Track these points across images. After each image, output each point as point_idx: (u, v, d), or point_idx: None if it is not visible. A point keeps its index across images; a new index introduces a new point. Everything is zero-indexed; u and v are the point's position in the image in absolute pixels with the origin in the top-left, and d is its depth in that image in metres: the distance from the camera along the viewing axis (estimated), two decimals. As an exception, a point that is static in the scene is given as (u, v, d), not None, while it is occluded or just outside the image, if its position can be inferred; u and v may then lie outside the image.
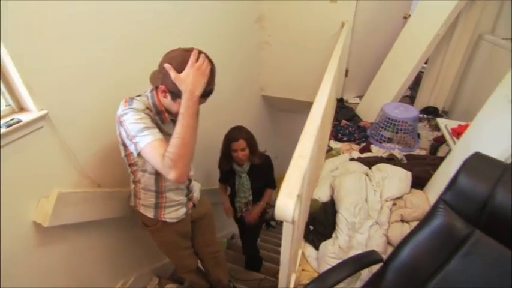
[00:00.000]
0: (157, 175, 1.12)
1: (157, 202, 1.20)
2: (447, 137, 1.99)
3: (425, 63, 2.66)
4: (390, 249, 1.35)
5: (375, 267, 1.04)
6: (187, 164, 0.91)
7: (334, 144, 2.37)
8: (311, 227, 1.51)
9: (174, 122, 0.98)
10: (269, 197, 1.96)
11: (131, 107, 0.94)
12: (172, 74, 0.91)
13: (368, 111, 2.73)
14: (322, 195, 1.65)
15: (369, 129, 2.46)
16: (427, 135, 2.38)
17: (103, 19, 1.15)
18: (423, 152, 2.17)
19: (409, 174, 1.66)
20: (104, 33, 1.17)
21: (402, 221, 1.48)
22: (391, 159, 1.96)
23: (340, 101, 3.09)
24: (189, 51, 0.94)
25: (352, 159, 2.02)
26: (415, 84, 2.99)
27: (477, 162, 0.87)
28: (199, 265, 1.63)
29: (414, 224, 1.40)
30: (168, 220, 1.24)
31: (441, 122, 2.19)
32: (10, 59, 0.87)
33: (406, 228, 1.42)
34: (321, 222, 1.51)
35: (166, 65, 0.91)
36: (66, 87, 1.06)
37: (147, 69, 1.02)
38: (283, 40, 2.86)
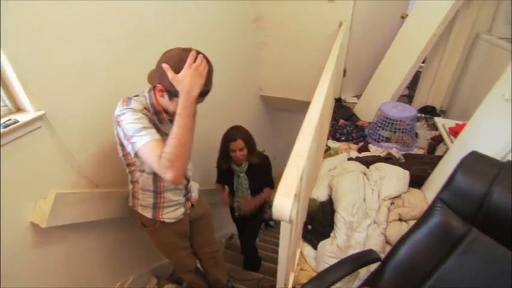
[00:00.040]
0: (155, 175, 1.12)
1: (156, 202, 1.19)
2: (444, 136, 1.99)
3: (423, 62, 2.67)
4: (388, 248, 1.36)
5: (373, 266, 1.04)
6: (183, 165, 0.91)
7: (333, 144, 2.37)
8: (309, 227, 1.52)
9: (172, 122, 0.98)
10: (268, 194, 1.95)
11: (129, 107, 0.94)
12: (170, 74, 0.90)
13: (366, 110, 2.74)
14: (320, 194, 1.66)
15: (367, 129, 2.47)
16: (424, 135, 2.39)
17: (101, 19, 1.15)
18: (421, 151, 2.18)
19: (406, 173, 1.67)
20: (101, 33, 1.16)
21: (400, 220, 1.49)
22: (389, 159, 1.96)
23: (338, 101, 3.09)
24: (186, 50, 0.94)
25: (350, 159, 2.02)
26: (413, 83, 3.00)
27: (474, 161, 0.87)
28: (198, 265, 1.63)
29: (412, 223, 1.40)
30: (166, 220, 1.24)
31: (439, 121, 2.20)
32: (7, 60, 0.87)
33: (404, 227, 1.43)
34: (319, 221, 1.51)
35: (164, 65, 0.91)
36: (64, 87, 1.05)
37: (144, 69, 1.02)
38: (281, 40, 2.86)
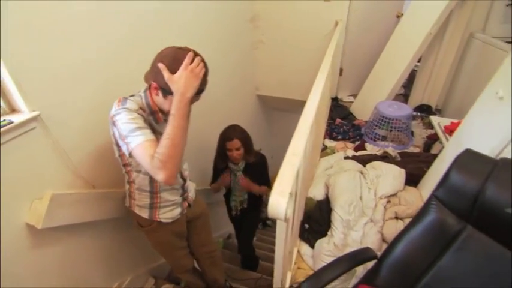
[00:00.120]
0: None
1: (152, 202, 1.19)
2: (440, 134, 2.01)
3: (419, 61, 2.68)
4: (385, 246, 1.36)
5: (370, 264, 1.05)
6: (176, 166, 0.90)
7: (329, 143, 2.38)
8: (306, 225, 1.52)
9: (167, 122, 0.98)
10: (264, 190, 1.91)
11: (124, 106, 0.94)
12: (166, 74, 0.91)
13: (362, 109, 2.75)
14: (317, 193, 1.66)
15: (363, 128, 2.48)
16: (420, 133, 2.40)
17: (96, 19, 1.14)
18: (417, 150, 2.19)
19: (402, 171, 1.68)
20: (97, 34, 1.16)
21: (396, 218, 1.50)
22: (385, 157, 1.97)
23: (334, 100, 3.10)
24: (182, 49, 0.94)
25: (346, 158, 2.03)
26: (409, 82, 3.02)
27: (468, 159, 0.88)
28: (196, 265, 1.63)
29: (408, 221, 1.41)
30: (163, 220, 1.24)
31: (434, 119, 2.21)
32: (1, 60, 0.86)
33: (401, 225, 1.44)
34: (316, 220, 1.52)
35: (160, 65, 0.91)
36: (59, 87, 1.05)
37: (140, 69, 1.02)
38: (277, 39, 2.87)
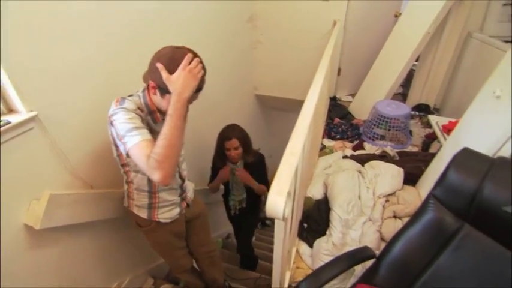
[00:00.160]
0: (150, 175, 1.11)
1: (151, 202, 1.19)
2: (438, 133, 2.01)
3: (417, 60, 2.69)
4: (383, 245, 1.37)
5: (369, 263, 1.05)
6: (172, 166, 0.90)
7: (328, 142, 2.38)
8: (305, 225, 1.52)
9: None
10: (262, 189, 1.90)
11: (122, 106, 0.94)
12: (164, 74, 0.91)
13: (361, 109, 2.75)
14: (315, 192, 1.67)
15: (362, 127, 2.49)
16: (419, 132, 2.41)
17: (94, 19, 1.14)
18: (415, 149, 2.20)
19: (401, 170, 1.68)
20: (95, 33, 1.16)
21: (395, 217, 1.50)
22: (383, 156, 1.98)
23: (333, 99, 3.11)
24: (179, 48, 0.94)
25: (345, 157, 2.03)
26: (407, 81, 3.02)
27: (466, 158, 0.89)
28: (195, 265, 1.63)
29: (407, 219, 1.42)
30: (161, 220, 1.23)
31: (432, 118, 2.22)
32: (-2, 60, 0.86)
33: (399, 224, 1.44)
34: (315, 219, 1.52)
35: (159, 65, 0.91)
36: (57, 87, 1.04)
37: (138, 69, 1.02)
38: (275, 39, 2.87)
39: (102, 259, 1.45)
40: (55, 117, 1.05)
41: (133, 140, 0.90)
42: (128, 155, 0.94)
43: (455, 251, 0.87)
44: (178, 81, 0.90)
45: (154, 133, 0.96)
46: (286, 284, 1.21)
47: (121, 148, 0.95)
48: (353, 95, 3.05)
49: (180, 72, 0.90)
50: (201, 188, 1.95)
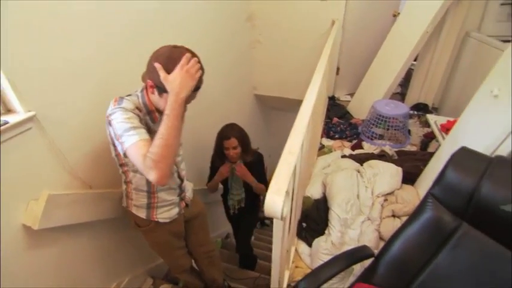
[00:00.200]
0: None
1: (149, 202, 1.19)
2: (436, 132, 2.02)
3: (415, 60, 2.70)
4: (382, 244, 1.37)
5: (367, 262, 1.05)
6: (169, 166, 0.89)
7: (326, 142, 2.38)
8: (304, 224, 1.52)
9: None
10: (261, 187, 1.89)
11: (120, 106, 0.94)
12: (162, 74, 0.91)
13: (359, 108, 2.76)
14: (314, 192, 1.67)
15: (361, 126, 2.49)
16: (417, 132, 2.42)
17: (93, 19, 1.14)
18: (414, 148, 2.20)
19: (399, 170, 1.69)
20: (93, 33, 1.15)
21: (393, 216, 1.50)
22: (382, 156, 1.98)
23: (331, 99, 3.11)
24: (177, 48, 0.94)
25: (344, 156, 2.04)
26: (405, 81, 3.03)
27: (463, 157, 0.89)
28: (194, 265, 1.63)
29: (405, 218, 1.42)
30: (160, 220, 1.23)
31: (431, 118, 2.22)
32: (-4, 61, 0.85)
33: (398, 223, 1.44)
34: (314, 219, 1.52)
35: (157, 65, 0.91)
36: (55, 87, 1.04)
37: (137, 69, 1.02)
38: (274, 39, 2.87)
39: (101, 259, 1.45)
40: (53, 117, 1.05)
41: (130, 140, 0.89)
42: (125, 155, 0.94)
43: (454, 249, 0.87)
44: (175, 80, 0.90)
45: (152, 133, 0.96)
46: (285, 284, 1.21)
47: (119, 148, 0.95)
48: (352, 95, 3.05)
49: (177, 71, 0.90)
50: (200, 187, 1.95)
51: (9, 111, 0.97)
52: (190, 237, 1.49)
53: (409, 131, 2.33)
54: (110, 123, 0.94)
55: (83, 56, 1.12)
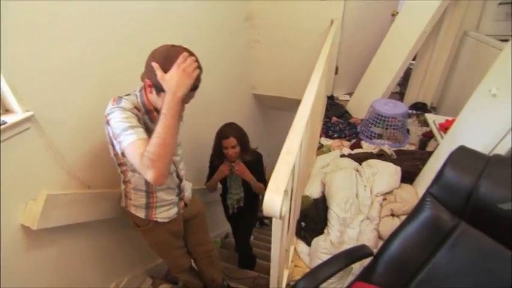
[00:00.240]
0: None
1: (148, 202, 1.19)
2: (435, 132, 2.02)
3: (414, 59, 2.70)
4: (381, 243, 1.37)
5: (366, 261, 1.06)
6: (166, 165, 0.89)
7: (325, 141, 2.39)
8: (303, 224, 1.52)
9: None
10: (260, 186, 1.88)
11: (118, 105, 0.94)
12: (159, 73, 0.90)
13: (358, 108, 2.76)
14: (313, 191, 1.67)
15: (359, 126, 2.49)
16: (416, 131, 2.42)
17: (91, 18, 1.13)
18: (412, 147, 2.21)
19: (398, 169, 1.69)
20: (92, 32, 1.15)
21: (392, 215, 1.51)
22: (381, 155, 1.98)
23: (330, 98, 3.11)
24: (175, 47, 0.94)
25: (342, 156, 2.04)
26: (404, 80, 3.04)
27: (462, 156, 0.89)
28: (193, 264, 1.63)
29: (404, 218, 1.42)
30: (159, 220, 1.23)
31: (429, 117, 2.23)
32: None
33: (396, 222, 1.45)
34: (313, 218, 1.52)
35: (154, 64, 0.91)
36: (54, 87, 1.04)
37: (136, 69, 1.01)
38: (273, 38, 2.87)
39: (100, 259, 1.45)
40: (52, 117, 1.05)
41: (128, 139, 0.89)
42: (123, 154, 0.94)
43: (452, 248, 0.87)
44: (172, 79, 0.90)
45: (151, 132, 0.95)
46: (284, 283, 1.21)
47: (117, 147, 0.95)
48: (350, 94, 3.06)
49: (174, 70, 0.90)
50: (198, 187, 1.94)
51: (7, 111, 0.96)
52: (190, 237, 1.49)
53: (407, 130, 2.33)
54: (108, 123, 0.94)
55: (82, 55, 1.12)
